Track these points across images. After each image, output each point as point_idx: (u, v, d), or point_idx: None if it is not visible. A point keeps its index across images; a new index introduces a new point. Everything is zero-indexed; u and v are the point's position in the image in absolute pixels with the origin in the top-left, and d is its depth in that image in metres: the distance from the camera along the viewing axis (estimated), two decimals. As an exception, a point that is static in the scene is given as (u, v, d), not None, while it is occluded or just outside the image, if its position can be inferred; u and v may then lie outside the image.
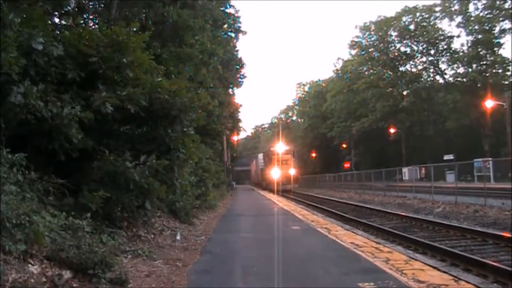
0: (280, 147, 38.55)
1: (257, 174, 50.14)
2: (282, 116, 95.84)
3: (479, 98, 40.14)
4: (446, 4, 48.56)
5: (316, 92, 75.28)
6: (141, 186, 6.80)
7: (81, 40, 6.66)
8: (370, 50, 57.72)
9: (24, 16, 5.71)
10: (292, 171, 36.41)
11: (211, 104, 12.30)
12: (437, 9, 50.46)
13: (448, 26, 60.16)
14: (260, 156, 48.17)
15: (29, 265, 4.29)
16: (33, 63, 5.64)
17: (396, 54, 55.72)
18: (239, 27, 28.08)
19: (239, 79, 31.57)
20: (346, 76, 61.79)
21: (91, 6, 11.02)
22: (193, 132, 9.39)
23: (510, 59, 43.34)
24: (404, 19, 53.58)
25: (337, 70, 65.83)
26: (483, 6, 44.92)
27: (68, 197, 6.04)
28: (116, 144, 7.42)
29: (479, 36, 44.65)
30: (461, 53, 48.21)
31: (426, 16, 51.84)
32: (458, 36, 54.11)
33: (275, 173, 35.01)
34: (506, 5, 41.97)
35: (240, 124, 39.61)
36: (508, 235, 8.95)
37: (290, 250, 7.41)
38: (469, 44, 47.15)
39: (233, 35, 28.09)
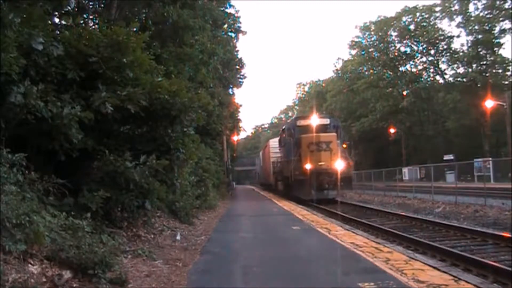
0: (315, 119, 21.28)
1: (268, 171, 33.55)
2: (282, 116, 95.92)
3: (479, 98, 40.13)
4: (446, 4, 48.58)
5: (316, 92, 75.28)
6: (141, 186, 6.80)
7: (81, 40, 6.65)
8: (370, 50, 57.75)
9: (24, 16, 5.70)
10: (340, 164, 19.08)
11: (211, 104, 12.30)
12: (437, 9, 50.55)
13: (448, 26, 60.20)
14: (273, 142, 31.23)
15: (29, 265, 4.29)
16: (33, 63, 5.64)
17: (396, 54, 55.74)
18: (239, 27, 28.03)
19: (239, 79, 31.53)
20: (346, 76, 61.81)
21: (91, 6, 11.01)
22: (193, 132, 9.40)
23: (510, 59, 43.36)
24: (404, 19, 53.61)
25: (337, 70, 65.87)
26: (483, 6, 45.00)
27: (68, 197, 6.04)
28: (116, 144, 7.41)
29: (479, 36, 44.68)
30: (461, 53, 48.25)
31: (426, 16, 51.87)
32: (458, 36, 54.35)
33: (306, 168, 18.96)
34: (506, 5, 42.01)
35: (240, 124, 39.48)
36: (508, 235, 8.95)
37: (290, 250, 7.42)
38: (469, 44, 47.21)
39: (233, 35, 28.05)
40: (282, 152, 24.60)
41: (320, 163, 19.08)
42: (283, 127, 26.29)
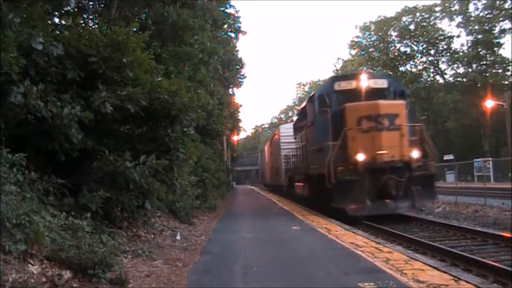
0: (364, 79, 13.02)
1: (276, 169, 26.54)
2: (282, 116, 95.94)
3: (479, 98, 40.18)
4: (446, 4, 48.60)
5: (316, 92, 75.17)
6: (141, 186, 6.81)
7: (81, 40, 6.66)
8: (370, 50, 57.72)
9: (24, 16, 5.71)
10: (415, 155, 11.66)
11: (210, 103, 12.31)
12: (437, 9, 50.52)
13: (448, 26, 60.32)
14: (285, 130, 24.16)
15: (29, 265, 4.29)
16: (33, 63, 5.64)
17: (396, 54, 55.70)
18: (239, 27, 28.07)
19: (239, 79, 31.54)
20: (346, 76, 61.69)
21: (91, 6, 11.02)
22: (193, 132, 9.40)
23: (510, 59, 43.39)
24: (404, 19, 53.58)
25: (337, 70, 65.77)
26: (483, 6, 45.01)
27: (68, 197, 6.05)
28: (116, 144, 7.43)
29: (479, 36, 44.69)
30: (461, 53, 48.25)
31: (426, 16, 51.86)
32: (458, 36, 54.37)
33: (355, 159, 11.42)
34: (506, 5, 42.03)
35: (240, 124, 39.53)
36: (508, 235, 8.95)
37: (290, 250, 7.42)
38: (469, 44, 47.21)
39: (233, 35, 28.09)
40: (306, 137, 15.44)
41: (380, 152, 11.38)
42: (311, 95, 15.72)
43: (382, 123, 11.54)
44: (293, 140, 19.70)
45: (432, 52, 52.48)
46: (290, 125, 22.61)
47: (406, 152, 11.60)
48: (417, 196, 11.61)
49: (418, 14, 52.55)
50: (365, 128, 11.59)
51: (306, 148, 15.66)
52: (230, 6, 25.72)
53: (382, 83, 13.46)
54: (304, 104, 17.10)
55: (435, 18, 51.08)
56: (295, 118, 23.77)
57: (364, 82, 12.91)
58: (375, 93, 12.74)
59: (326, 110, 12.77)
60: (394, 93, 13.15)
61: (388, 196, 11.41)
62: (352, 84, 13.08)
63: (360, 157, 11.35)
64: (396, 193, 11.35)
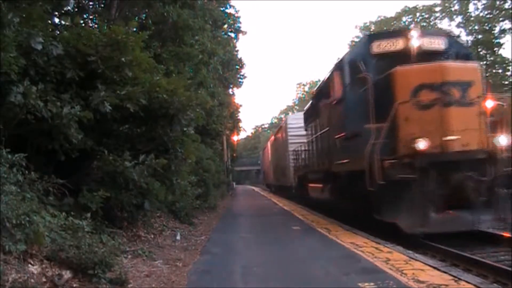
0: (415, 36, 9.14)
1: (281, 167, 23.75)
2: (282, 116, 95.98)
3: (479, 98, 40.13)
4: (446, 4, 48.62)
5: (316, 92, 75.16)
6: (140, 186, 6.80)
7: (80, 39, 6.65)
8: (370, 50, 57.71)
9: (24, 15, 5.71)
10: (503, 141, 7.69)
11: (209, 103, 12.30)
12: (437, 9, 50.53)
13: (448, 26, 60.21)
14: (293, 120, 21.65)
15: (29, 265, 4.28)
16: (32, 62, 5.63)
17: (396, 54, 55.71)
18: (239, 27, 28.04)
19: (239, 79, 31.53)
20: (346, 76, 61.66)
21: (91, 6, 11.02)
22: (193, 132, 9.39)
23: (510, 59, 43.40)
24: (404, 19, 53.59)
25: (337, 70, 65.70)
26: (483, 6, 45.02)
27: (68, 197, 6.04)
28: (116, 144, 7.42)
29: (479, 36, 44.71)
30: (461, 53, 48.28)
31: (426, 16, 51.89)
32: (458, 36, 54.27)
33: (413, 148, 7.50)
34: (506, 5, 42.03)
35: (240, 124, 39.53)
36: (508, 235, 8.93)
37: (290, 250, 7.42)
38: (469, 44, 47.19)
39: (233, 35, 28.09)
40: (329, 121, 11.50)
41: (450, 138, 7.85)
42: (338, 61, 11.06)
43: (450, 94, 7.95)
44: (305, 132, 16.45)
45: (432, 52, 52.52)
46: (300, 114, 19.26)
47: (487, 137, 8.07)
48: (506, 204, 7.91)
49: (418, 14, 52.58)
50: (426, 102, 7.99)
51: (327, 137, 11.74)
52: (230, 6, 25.71)
53: (439, 43, 9.69)
54: (325, 78, 12.44)
55: (435, 18, 51.11)
56: (300, 114, 20.03)
57: (415, 41, 9.21)
58: (430, 57, 8.89)
59: (364, 78, 8.87)
60: (456, 57, 9.44)
61: (463, 205, 7.80)
62: (398, 44, 9.39)
63: (421, 144, 7.67)
64: (475, 199, 7.68)
